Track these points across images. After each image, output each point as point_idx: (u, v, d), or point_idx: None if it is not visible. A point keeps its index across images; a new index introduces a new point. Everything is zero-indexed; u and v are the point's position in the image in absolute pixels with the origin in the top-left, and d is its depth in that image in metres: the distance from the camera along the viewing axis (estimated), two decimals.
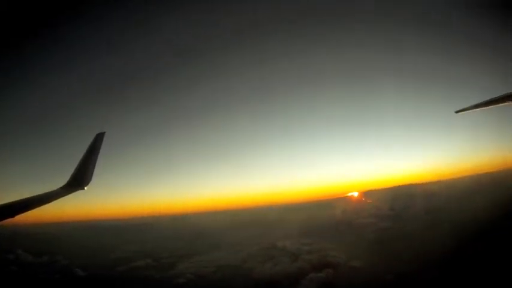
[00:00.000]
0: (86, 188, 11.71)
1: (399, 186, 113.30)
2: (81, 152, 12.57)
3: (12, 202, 8.95)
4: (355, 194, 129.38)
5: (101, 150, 12.71)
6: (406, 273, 36.22)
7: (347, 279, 41.38)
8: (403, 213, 68.44)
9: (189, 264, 57.94)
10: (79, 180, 11.73)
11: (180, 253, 64.68)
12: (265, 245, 64.12)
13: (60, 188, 11.49)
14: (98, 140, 12.71)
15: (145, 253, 66.37)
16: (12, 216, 7.39)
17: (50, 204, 10.20)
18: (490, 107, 7.75)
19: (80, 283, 52.08)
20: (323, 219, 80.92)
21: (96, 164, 12.38)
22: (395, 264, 40.10)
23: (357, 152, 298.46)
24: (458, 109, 8.70)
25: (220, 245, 68.53)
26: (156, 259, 62.50)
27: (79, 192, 11.63)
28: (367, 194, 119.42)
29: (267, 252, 59.30)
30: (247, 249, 64.03)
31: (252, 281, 47.04)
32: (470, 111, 8.39)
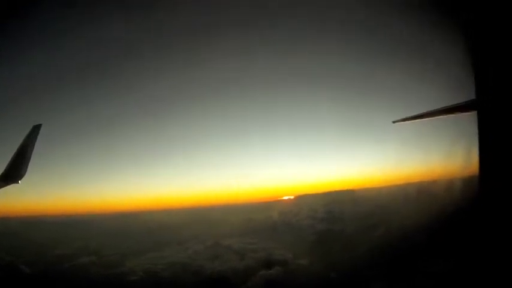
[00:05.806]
0: (20, 181, 11.97)
1: (335, 191, 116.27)
2: (16, 144, 12.60)
3: None
4: (291, 197, 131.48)
5: (41, 143, 12.75)
6: (348, 271, 40.43)
7: (296, 277, 44.38)
8: (339, 217, 72.10)
9: (138, 262, 57.34)
10: (13, 173, 11.90)
11: (126, 250, 63.37)
12: (210, 243, 64.88)
13: None
14: (34, 132, 12.64)
15: (90, 250, 64.38)
16: None
17: None
18: (428, 118, 8.05)
19: (27, 281, 50.08)
20: (263, 220, 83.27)
21: (33, 157, 12.42)
22: (338, 263, 43.79)
23: (292, 157, 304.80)
24: (396, 119, 8.86)
25: (165, 243, 68.17)
26: (101, 256, 60.91)
27: (15, 186, 11.85)
28: (303, 198, 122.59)
29: (213, 250, 60.32)
30: (193, 247, 64.59)
31: (204, 278, 48.29)
32: (408, 121, 8.52)
